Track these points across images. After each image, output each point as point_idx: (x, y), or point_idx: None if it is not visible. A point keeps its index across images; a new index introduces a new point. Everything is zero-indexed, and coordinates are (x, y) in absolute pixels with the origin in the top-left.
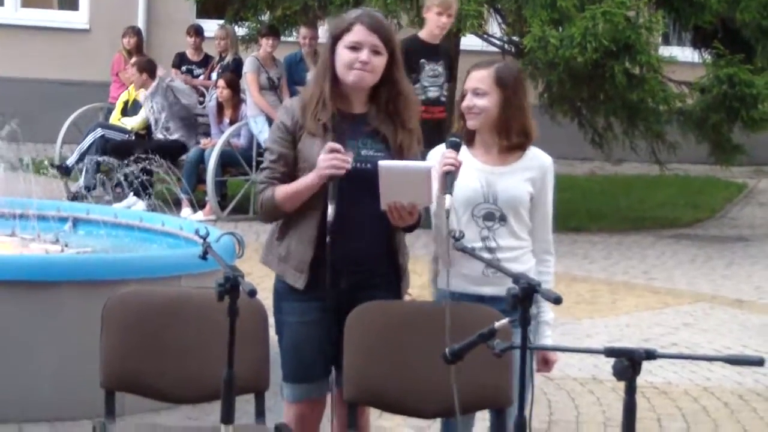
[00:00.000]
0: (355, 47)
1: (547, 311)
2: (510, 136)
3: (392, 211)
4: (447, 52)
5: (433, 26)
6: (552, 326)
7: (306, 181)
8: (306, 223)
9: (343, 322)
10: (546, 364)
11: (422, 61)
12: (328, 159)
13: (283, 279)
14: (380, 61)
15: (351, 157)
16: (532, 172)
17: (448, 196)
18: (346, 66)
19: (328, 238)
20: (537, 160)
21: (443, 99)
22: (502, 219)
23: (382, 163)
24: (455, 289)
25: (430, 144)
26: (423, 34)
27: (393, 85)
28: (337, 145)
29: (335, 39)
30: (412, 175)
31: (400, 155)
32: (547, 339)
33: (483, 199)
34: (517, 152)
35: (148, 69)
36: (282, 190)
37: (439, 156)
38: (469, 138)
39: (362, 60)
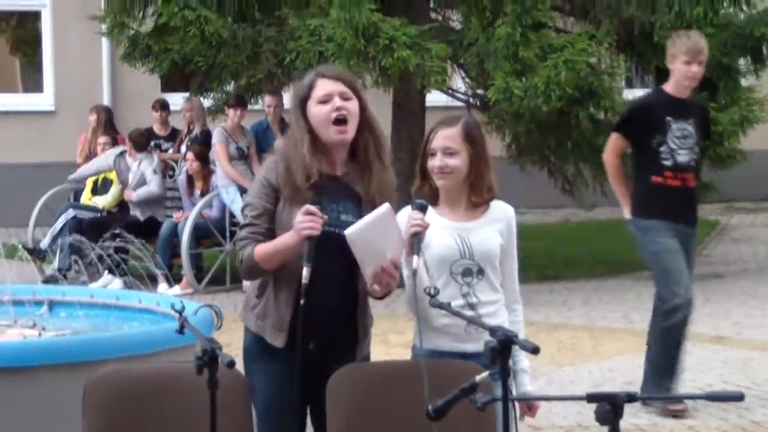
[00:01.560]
0: (325, 101)
1: (522, 359)
2: (482, 192)
3: (377, 278)
4: (699, 108)
5: (682, 77)
6: (529, 373)
7: (285, 241)
8: (286, 282)
9: (311, 383)
10: (530, 410)
11: (668, 118)
12: (305, 221)
13: (262, 336)
14: (353, 106)
15: (326, 219)
16: (500, 223)
17: (415, 257)
18: (324, 122)
19: (302, 300)
20: (501, 211)
21: (693, 163)
22: (480, 273)
23: (347, 232)
24: (438, 347)
25: (680, 216)
26: (669, 87)
27: (370, 127)
28: (313, 208)
29: (303, 101)
30: (376, 224)
31: (373, 206)
32: (527, 386)
33: (460, 255)
34: (482, 206)
35: (139, 141)
36: (261, 250)
37: (404, 218)
38: (433, 197)
39: (337, 106)
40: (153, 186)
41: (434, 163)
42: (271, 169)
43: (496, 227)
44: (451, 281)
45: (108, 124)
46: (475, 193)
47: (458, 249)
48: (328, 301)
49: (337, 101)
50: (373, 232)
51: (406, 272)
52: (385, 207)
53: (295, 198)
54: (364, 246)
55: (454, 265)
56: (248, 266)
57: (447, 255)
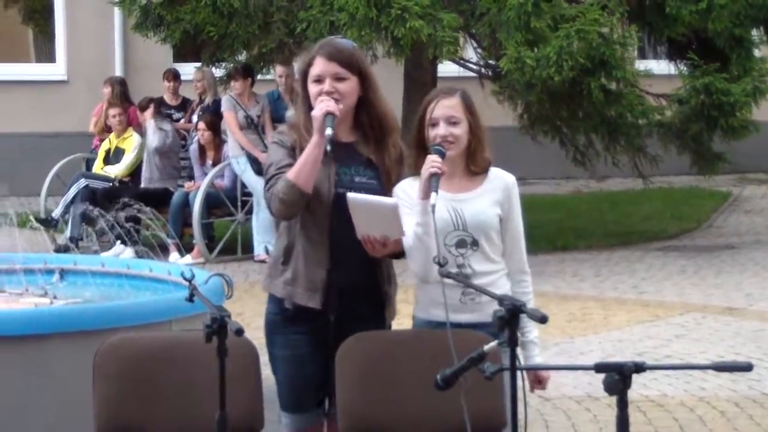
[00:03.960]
0: (318, 80)
1: (531, 330)
2: (478, 162)
3: (366, 243)
4: None
5: None
6: (539, 345)
7: (308, 146)
8: (315, 244)
9: (331, 353)
10: (540, 383)
11: None
12: (322, 102)
13: (289, 302)
14: (347, 87)
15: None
16: (497, 193)
17: (433, 194)
18: (314, 100)
19: (328, 147)
20: (500, 180)
21: None
22: (474, 244)
23: (350, 195)
24: (433, 318)
25: None
26: None
27: (370, 107)
28: (323, 96)
29: (304, 75)
30: (379, 209)
31: (389, 181)
32: (536, 358)
33: (453, 226)
34: (480, 176)
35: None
36: (292, 170)
37: (405, 187)
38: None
39: (325, 91)
40: (155, 140)
41: (438, 132)
42: (285, 132)
43: (493, 197)
44: (445, 252)
45: (123, 96)
46: (474, 163)
47: (451, 220)
48: (352, 265)
49: (327, 84)
50: (373, 212)
51: (410, 235)
52: (395, 201)
53: None
54: (359, 215)
55: (448, 237)
56: (284, 191)
57: (440, 227)
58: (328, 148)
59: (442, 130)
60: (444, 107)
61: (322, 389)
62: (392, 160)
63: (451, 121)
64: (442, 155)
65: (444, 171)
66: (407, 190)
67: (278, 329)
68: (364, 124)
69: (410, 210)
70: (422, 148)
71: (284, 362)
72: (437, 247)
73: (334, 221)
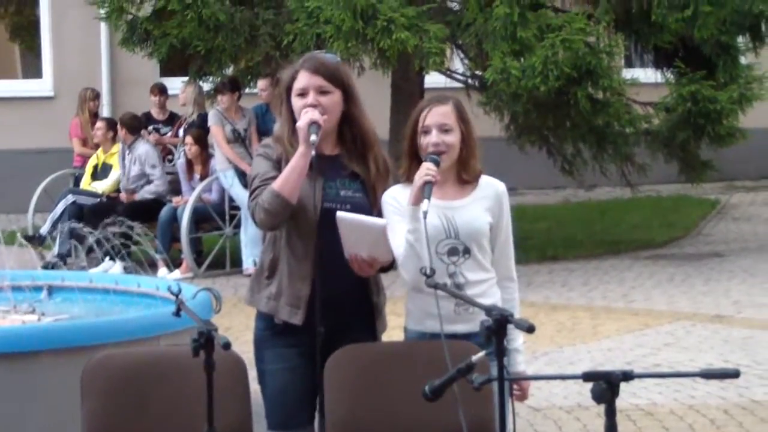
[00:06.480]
0: (302, 93)
1: (515, 338)
2: (469, 170)
3: (353, 263)
4: None
5: None
6: (523, 352)
7: (294, 157)
8: (300, 259)
9: (321, 366)
10: (520, 391)
11: None
12: (306, 114)
13: (274, 317)
14: (330, 100)
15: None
16: (489, 201)
17: (425, 201)
18: (298, 114)
19: (314, 138)
20: (491, 188)
21: None
22: (466, 252)
23: (339, 214)
24: (427, 329)
25: None
26: None
27: (353, 123)
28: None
29: (288, 90)
30: (367, 229)
31: (374, 194)
32: (521, 365)
33: (445, 234)
34: (470, 184)
35: (132, 125)
36: (277, 180)
37: (396, 194)
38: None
39: (308, 103)
40: (159, 185)
41: (430, 140)
42: (270, 145)
43: (484, 205)
44: (437, 261)
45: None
46: (465, 171)
47: (443, 228)
48: (340, 277)
49: (311, 97)
50: (362, 231)
51: (401, 244)
52: (384, 222)
53: None
54: (347, 233)
55: (440, 245)
56: (269, 201)
57: (432, 234)
58: (313, 153)
59: (434, 137)
60: (437, 115)
61: (311, 406)
62: (376, 173)
63: (444, 129)
64: (437, 164)
65: (438, 179)
66: (397, 197)
67: (267, 344)
68: (347, 140)
69: (401, 217)
70: (414, 156)
71: (274, 376)
72: (428, 256)
73: (320, 235)
